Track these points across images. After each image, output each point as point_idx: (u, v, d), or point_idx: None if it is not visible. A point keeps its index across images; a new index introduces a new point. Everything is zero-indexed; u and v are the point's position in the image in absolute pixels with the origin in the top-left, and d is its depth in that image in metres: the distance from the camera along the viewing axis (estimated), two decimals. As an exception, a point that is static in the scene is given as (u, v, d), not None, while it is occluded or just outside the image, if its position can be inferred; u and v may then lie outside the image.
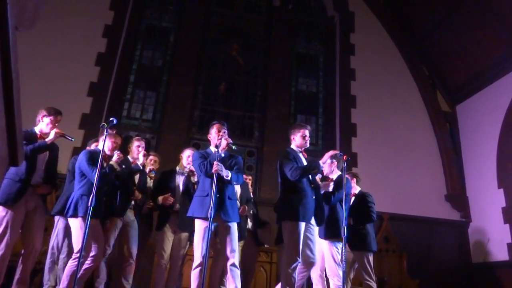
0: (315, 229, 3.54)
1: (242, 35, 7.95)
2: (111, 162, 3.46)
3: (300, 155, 3.62)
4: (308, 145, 3.72)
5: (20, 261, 3.38)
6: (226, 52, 7.78)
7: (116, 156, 3.48)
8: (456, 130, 7.60)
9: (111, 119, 3.21)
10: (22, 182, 3.25)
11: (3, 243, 3.13)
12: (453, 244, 6.83)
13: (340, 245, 3.65)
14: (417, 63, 7.95)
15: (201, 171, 3.35)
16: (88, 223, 2.95)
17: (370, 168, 6.80)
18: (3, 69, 1.12)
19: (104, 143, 3.27)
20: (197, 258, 3.25)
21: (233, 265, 3.27)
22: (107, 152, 3.48)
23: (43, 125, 3.44)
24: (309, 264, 3.46)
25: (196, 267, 3.24)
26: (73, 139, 3.51)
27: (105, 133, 3.21)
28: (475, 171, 7.05)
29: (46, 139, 3.35)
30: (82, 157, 3.37)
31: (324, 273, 3.81)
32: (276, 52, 7.67)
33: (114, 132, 3.55)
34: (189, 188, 4.15)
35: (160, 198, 4.08)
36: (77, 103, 6.17)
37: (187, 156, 4.26)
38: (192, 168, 4.10)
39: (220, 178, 3.27)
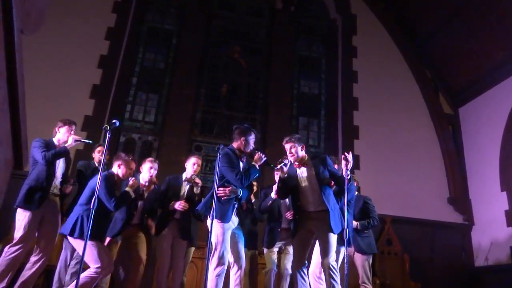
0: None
1: (244, 37, 7.95)
2: (126, 189, 3.42)
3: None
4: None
5: (29, 266, 3.38)
6: (228, 55, 7.78)
7: (130, 181, 3.45)
8: (459, 133, 7.58)
9: (113, 121, 3.19)
10: (44, 189, 3.41)
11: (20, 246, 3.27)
12: (456, 247, 6.80)
13: (343, 249, 3.65)
14: (419, 65, 7.94)
15: None
16: (85, 241, 2.87)
17: (372, 170, 6.78)
18: (8, 72, 1.12)
19: (105, 147, 3.23)
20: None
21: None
22: (121, 177, 3.45)
23: (60, 135, 3.66)
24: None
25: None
26: (91, 142, 3.99)
27: (107, 135, 3.17)
28: (478, 174, 7.03)
29: (66, 145, 3.56)
30: (100, 182, 3.28)
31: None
32: (278, 54, 7.67)
33: (130, 158, 3.52)
34: (192, 197, 4.06)
35: (177, 204, 3.95)
36: (80, 105, 6.19)
37: (192, 164, 4.14)
38: (197, 181, 4.08)
39: None
